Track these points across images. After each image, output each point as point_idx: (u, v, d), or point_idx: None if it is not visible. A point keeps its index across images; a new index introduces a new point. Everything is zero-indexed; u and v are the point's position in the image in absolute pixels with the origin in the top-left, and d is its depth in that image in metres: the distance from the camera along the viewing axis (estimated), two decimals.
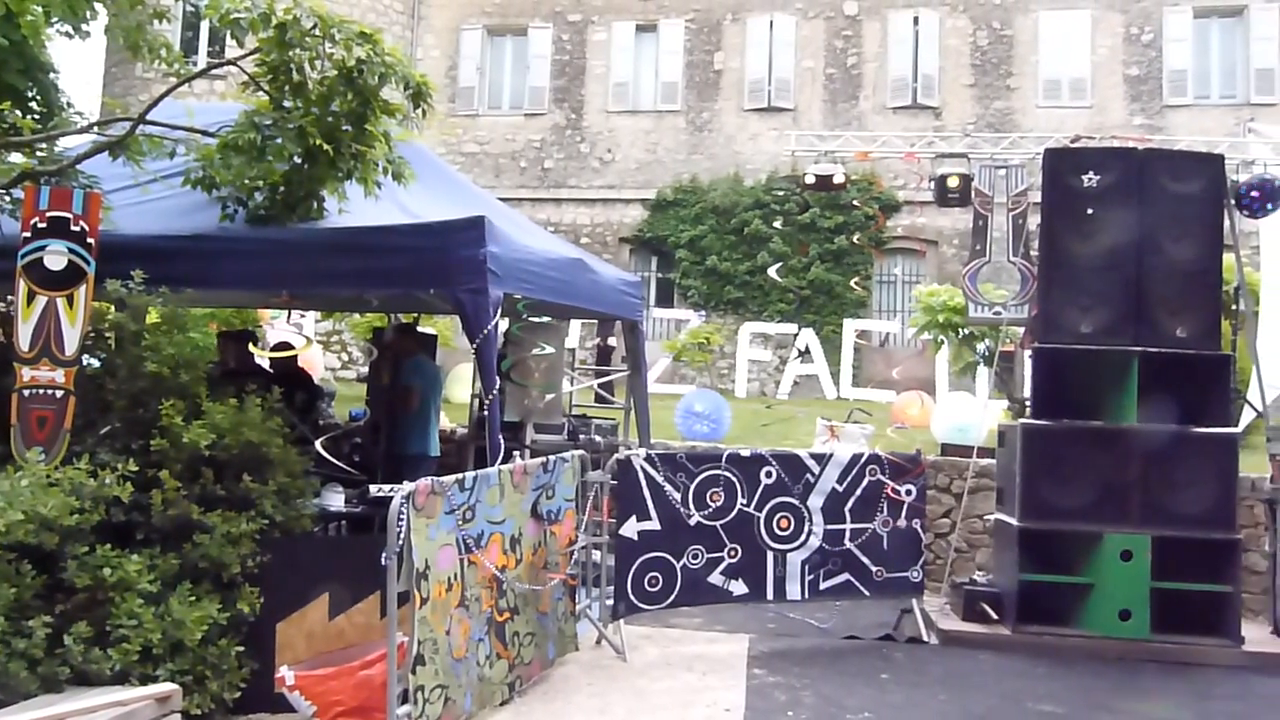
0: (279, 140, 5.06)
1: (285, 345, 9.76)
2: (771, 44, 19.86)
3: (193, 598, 4.52)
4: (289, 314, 10.94)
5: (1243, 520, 7.09)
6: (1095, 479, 6.70)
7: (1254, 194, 7.48)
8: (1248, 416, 9.30)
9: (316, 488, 5.52)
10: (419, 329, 9.17)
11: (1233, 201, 7.45)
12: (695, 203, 19.42)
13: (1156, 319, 6.78)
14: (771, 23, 19.88)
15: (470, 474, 4.79)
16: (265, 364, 8.22)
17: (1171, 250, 6.85)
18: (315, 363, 12.43)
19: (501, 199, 14.17)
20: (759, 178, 19.27)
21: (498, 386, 5.38)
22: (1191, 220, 6.92)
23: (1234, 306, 8.23)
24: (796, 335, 17.44)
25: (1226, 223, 7.23)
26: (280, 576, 4.82)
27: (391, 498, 4.22)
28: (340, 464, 6.39)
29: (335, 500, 5.92)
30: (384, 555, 4.20)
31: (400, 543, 4.19)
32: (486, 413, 5.35)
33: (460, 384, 11.91)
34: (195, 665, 4.47)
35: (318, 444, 6.28)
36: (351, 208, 5.58)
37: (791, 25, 19.85)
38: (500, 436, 5.31)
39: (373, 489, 5.72)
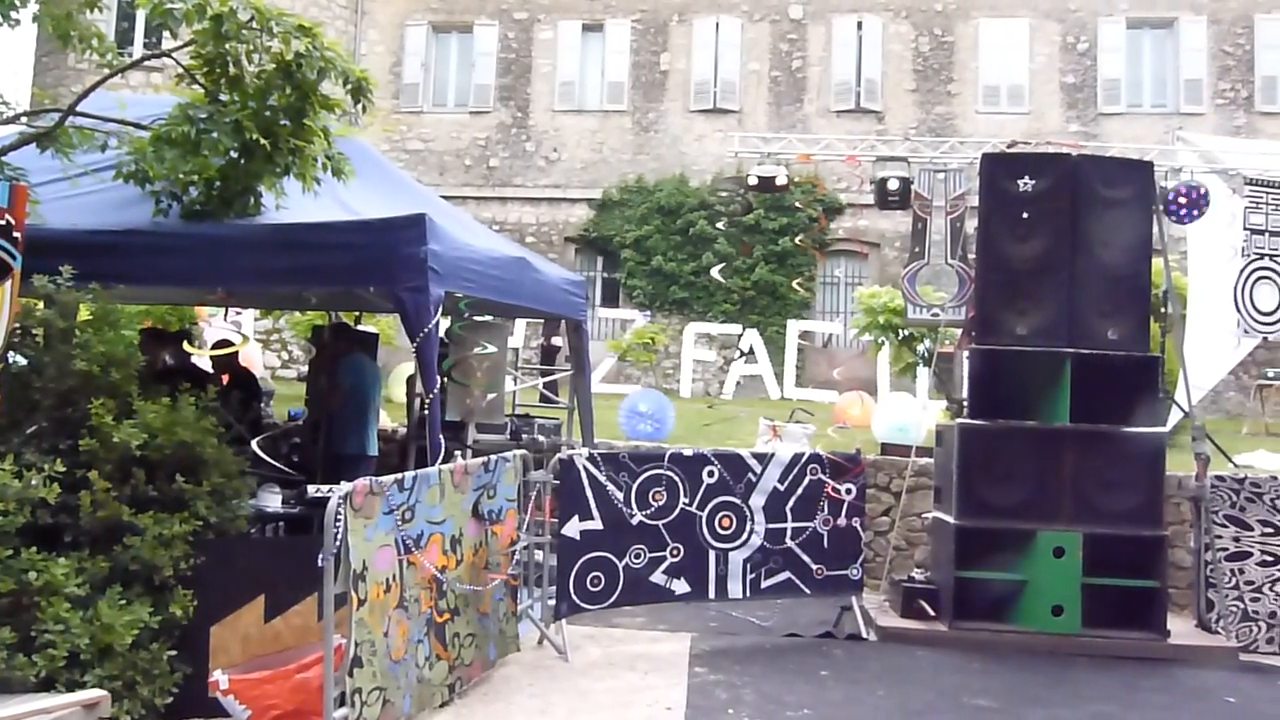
0: (214, 134, 4.96)
1: (224, 343, 9.60)
2: (717, 46, 19.97)
3: (123, 601, 4.41)
4: (226, 311, 10.74)
5: (1169, 517, 7.29)
6: (1029, 478, 6.84)
7: (1181, 200, 7.70)
8: (1175, 416, 9.56)
9: (253, 488, 5.42)
10: (360, 327, 9.08)
11: (1161, 208, 7.65)
12: (641, 203, 19.45)
13: (1088, 321, 6.95)
14: (717, 25, 19.99)
15: (410, 474, 4.75)
16: (204, 362, 8.07)
17: (1103, 254, 7.03)
18: (254, 361, 12.22)
19: (446, 197, 14.06)
20: (704, 178, 19.37)
21: (439, 386, 5.34)
22: (1122, 225, 7.10)
23: (1163, 310, 8.45)
24: (741, 336, 17.56)
25: (1156, 228, 7.43)
26: (214, 579, 4.72)
27: (329, 498, 4.17)
28: (277, 464, 6.28)
29: (272, 501, 5.82)
30: (321, 556, 4.14)
31: (337, 544, 4.13)
32: (427, 412, 5.30)
33: (401, 383, 11.78)
34: (125, 670, 4.36)
35: (254, 444, 6.18)
36: (290, 204, 5.49)
37: (737, 28, 19.98)
38: (441, 436, 5.27)
39: (311, 489, 5.67)
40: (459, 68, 20.78)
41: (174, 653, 4.53)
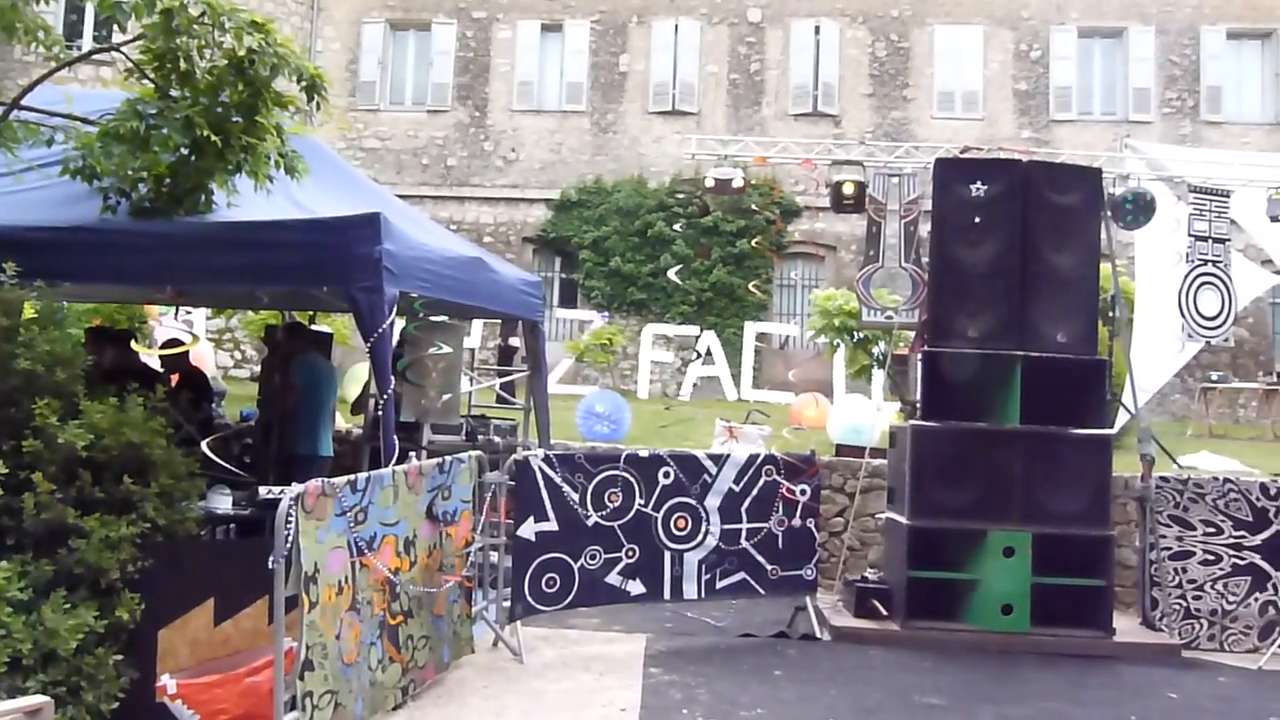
0: (164, 130, 4.88)
1: (174, 342, 9.45)
2: (676, 48, 20.01)
3: (67, 605, 4.32)
4: (176, 310, 10.57)
5: (1116, 517, 7.45)
6: (980, 479, 6.95)
7: (1128, 207, 7.85)
8: (1122, 419, 9.75)
9: (202, 490, 5.34)
10: (314, 327, 8.98)
11: (1109, 213, 7.80)
12: (599, 204, 19.44)
13: (1038, 325, 7.07)
14: (676, 27, 20.03)
15: (363, 475, 4.71)
16: (154, 361, 7.94)
17: (1053, 259, 7.15)
18: (206, 361, 12.03)
19: (403, 196, 13.97)
20: (663, 180, 19.41)
21: (393, 386, 5.30)
22: (1071, 230, 7.24)
23: (1110, 314, 8.61)
24: (698, 337, 17.60)
25: (1104, 234, 7.57)
26: (163, 582, 4.64)
27: (280, 500, 4.12)
28: (228, 465, 6.20)
29: (222, 503, 5.74)
30: (271, 558, 4.09)
31: (288, 546, 4.09)
32: (381, 413, 5.26)
33: (356, 383, 11.67)
34: (69, 676, 4.27)
35: (204, 445, 6.09)
36: (242, 202, 5.42)
37: (696, 30, 20.04)
38: (395, 437, 5.23)
39: (262, 491, 5.59)
40: (416, 66, 20.63)
41: (120, 657, 4.45)
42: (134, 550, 4.53)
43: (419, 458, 6.43)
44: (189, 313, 12.37)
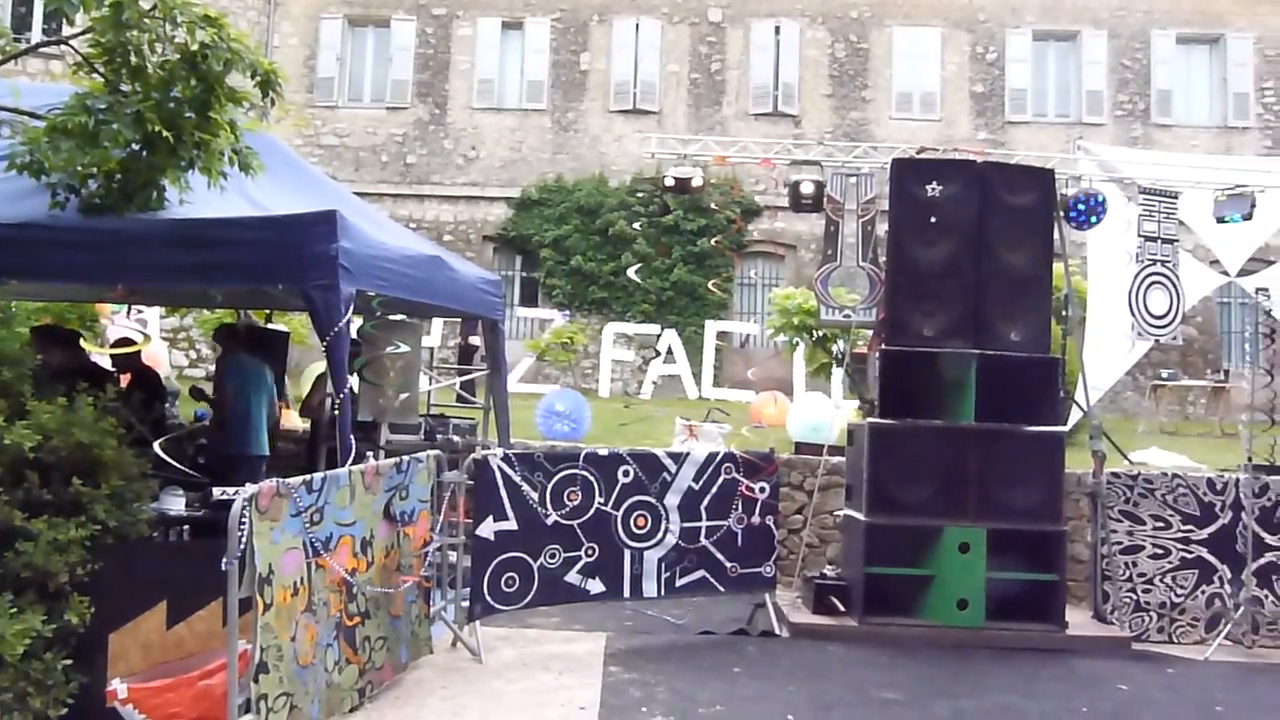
0: (114, 125, 4.79)
1: (125, 341, 9.30)
2: (637, 47, 20.03)
3: (14, 609, 4.23)
4: (129, 309, 10.40)
5: (1069, 513, 7.57)
6: (936, 475, 7.02)
7: (1080, 207, 7.98)
8: (1075, 416, 9.91)
9: (154, 491, 5.26)
10: (269, 326, 8.89)
11: (1062, 214, 7.92)
12: (560, 202, 19.41)
13: (993, 323, 7.16)
14: (637, 25, 20.05)
15: (318, 475, 4.67)
16: (105, 361, 7.81)
17: (1007, 258, 7.25)
18: (160, 360, 11.84)
19: (362, 194, 13.84)
20: (624, 179, 19.41)
21: (350, 385, 5.25)
22: (1025, 230, 7.34)
23: (1064, 313, 8.76)
24: (659, 336, 17.64)
25: (1057, 234, 7.69)
26: (114, 585, 4.57)
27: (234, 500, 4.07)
28: (181, 466, 6.11)
29: (175, 504, 5.66)
30: (225, 560, 4.04)
31: (242, 547, 4.04)
32: (338, 412, 5.21)
33: (309, 383, 11.56)
34: (16, 681, 4.19)
35: (156, 445, 6.00)
36: (195, 199, 5.34)
37: (657, 29, 20.07)
38: (352, 436, 5.18)
39: (216, 492, 5.51)
40: (375, 62, 20.46)
41: (69, 662, 4.37)
42: (84, 553, 4.46)
43: (376, 457, 6.38)
44: (141, 311, 12.17)
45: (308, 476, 4.58)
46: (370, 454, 5.58)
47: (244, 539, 4.05)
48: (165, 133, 4.82)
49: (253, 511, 4.10)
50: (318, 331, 5.13)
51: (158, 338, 13.15)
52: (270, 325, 9.08)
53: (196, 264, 5.25)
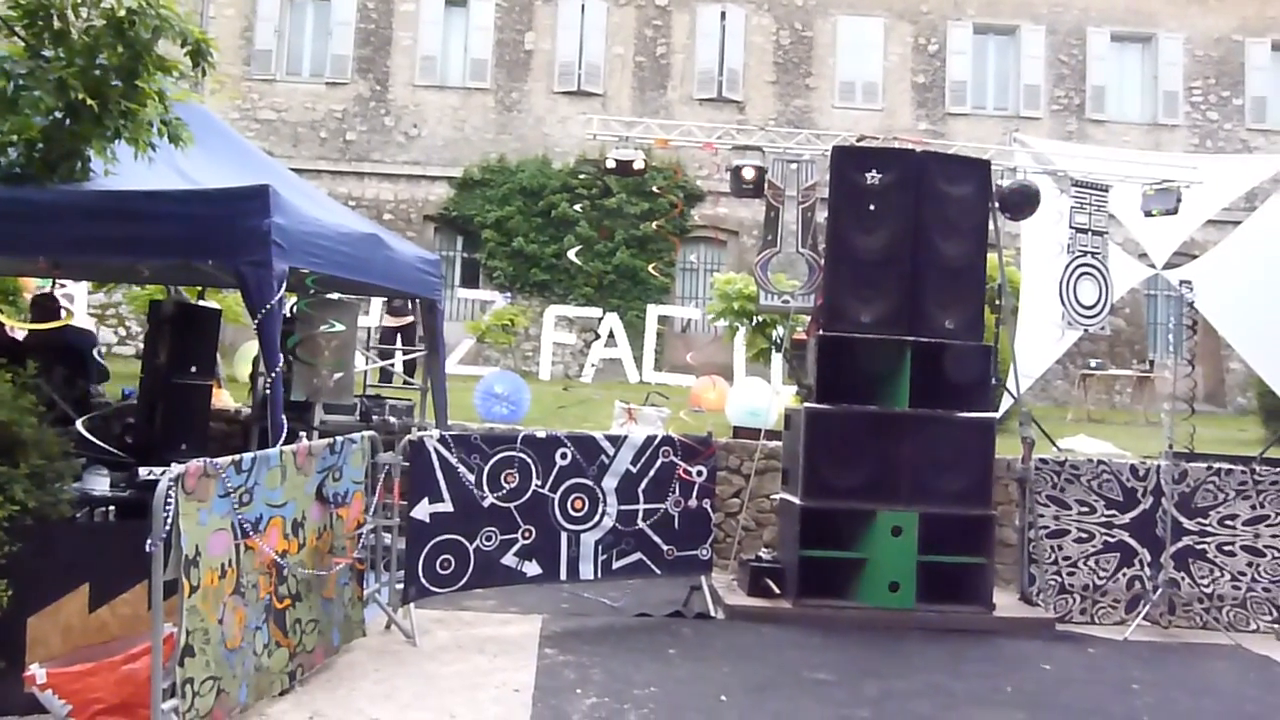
0: (35, 92, 4.64)
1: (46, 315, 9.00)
2: (583, 28, 19.91)
3: None
4: (53, 284, 10.07)
5: (998, 498, 7.73)
6: (871, 460, 7.12)
7: (1015, 199, 8.12)
8: (1006, 403, 10.13)
9: (77, 471, 5.12)
10: (200, 303, 8.68)
11: (996, 205, 8.06)
12: (503, 183, 19.26)
13: (928, 311, 7.26)
14: (583, 7, 19.92)
15: (248, 455, 4.58)
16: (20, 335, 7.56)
17: (943, 247, 7.35)
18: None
19: (300, 170, 13.58)
20: (567, 161, 19.32)
21: (281, 364, 5.16)
22: (961, 220, 7.45)
23: (997, 302, 8.92)
24: (601, 319, 17.62)
25: (991, 224, 7.82)
26: (33, 567, 4.44)
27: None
28: (105, 445, 5.95)
29: (100, 484, 5.51)
30: (149, 541, 3.94)
31: (167, 528, 3.94)
32: (269, 391, 5.12)
33: (245, 362, 11.35)
34: None
35: (79, 423, 5.84)
36: (121, 170, 5.19)
37: (603, 11, 19.96)
38: (284, 417, 5.10)
39: (142, 471, 5.40)
40: (315, 36, 20.06)
41: None
42: (1, 534, 4.32)
43: (310, 438, 6.28)
44: (64, 285, 11.80)
45: (237, 456, 4.49)
46: (303, 434, 5.48)
47: (169, 520, 3.95)
48: (90, 101, 4.68)
49: (179, 492, 4.01)
50: (249, 309, 5.03)
51: (84, 313, 12.78)
52: (202, 302, 8.87)
53: (123, 238, 5.11)
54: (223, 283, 7.68)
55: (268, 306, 4.90)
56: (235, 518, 4.42)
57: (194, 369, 7.15)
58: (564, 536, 6.47)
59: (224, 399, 9.21)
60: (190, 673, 4.08)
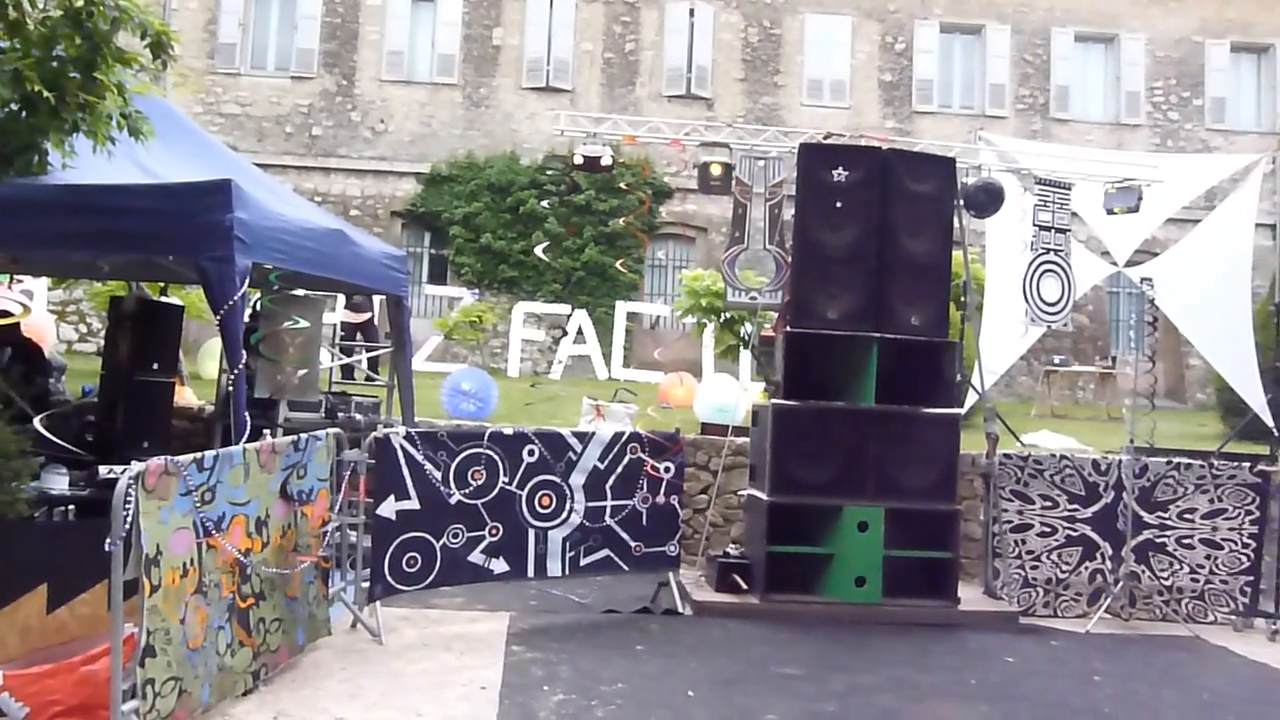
0: None
1: (2, 313, 8.86)
2: (551, 24, 19.85)
3: None
4: (11, 279, 9.90)
5: (963, 493, 7.81)
6: (837, 456, 7.16)
7: (979, 197, 8.19)
8: (971, 399, 10.22)
9: (35, 469, 5.04)
10: (163, 299, 8.58)
11: (961, 202, 8.13)
12: (471, 179, 19.16)
13: (894, 308, 7.31)
14: (551, 2, 19.87)
15: (210, 453, 4.52)
16: None
17: (909, 244, 7.40)
18: (46, 334, 11.31)
19: (265, 165, 13.42)
20: (536, 157, 19.25)
21: (244, 361, 5.11)
22: (927, 217, 7.50)
23: (962, 298, 8.99)
24: (569, 316, 17.59)
25: (957, 221, 7.88)
26: None
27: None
28: (64, 443, 5.87)
29: (58, 483, 5.44)
30: (109, 541, 3.89)
31: (127, 527, 3.89)
32: (232, 388, 5.06)
33: (210, 359, 11.23)
34: None
35: (36, 421, 5.75)
36: (80, 164, 5.11)
37: (571, 7, 19.90)
38: (247, 414, 5.05)
39: (102, 470, 5.33)
40: (280, 29, 19.85)
41: None
42: None
43: (274, 435, 6.22)
44: (20, 281, 11.60)
45: (199, 454, 4.44)
46: (267, 432, 5.43)
47: (129, 519, 3.90)
48: (46, 93, 4.58)
49: (139, 490, 3.95)
50: (211, 305, 4.98)
51: (44, 310, 12.57)
52: (164, 298, 8.76)
53: (81, 232, 5.05)
54: (186, 278, 7.59)
55: (230, 303, 4.86)
56: (197, 516, 4.37)
57: (156, 366, 7.11)
58: (531, 533, 6.45)
59: (187, 396, 9.11)
60: (151, 673, 4.02)
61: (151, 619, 4.03)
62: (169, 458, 4.24)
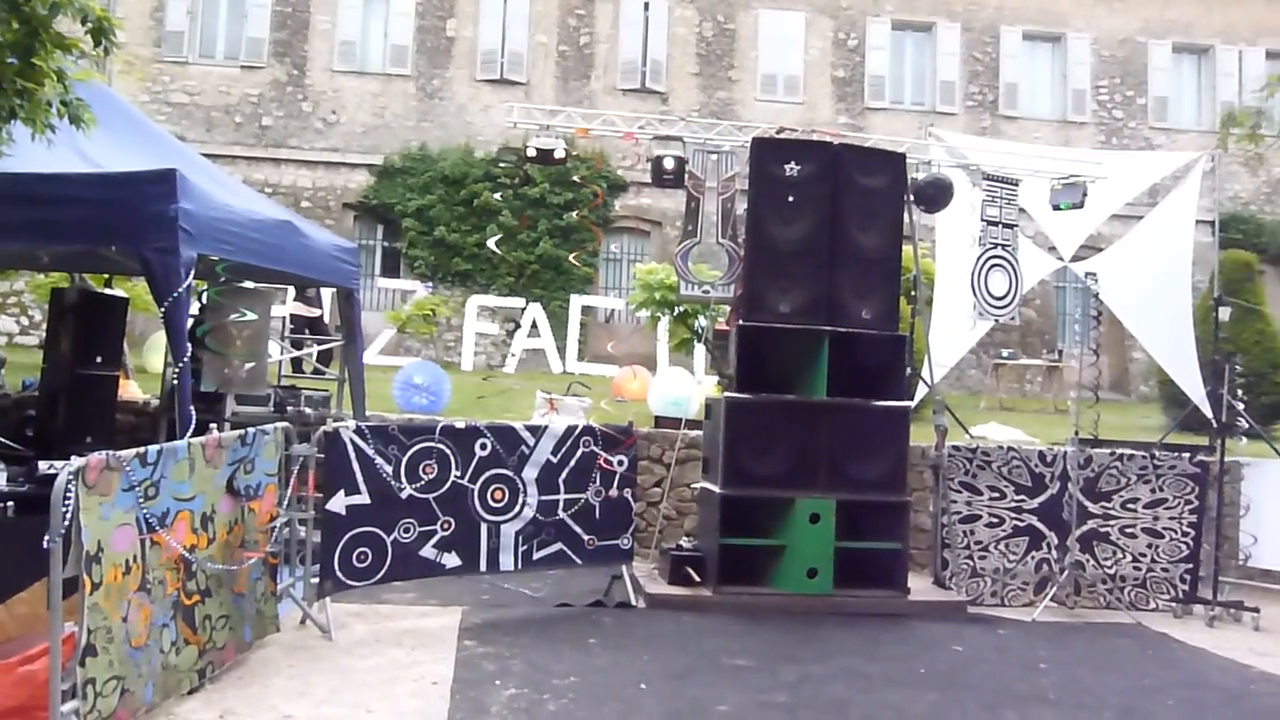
0: None
1: None
2: (505, 16, 19.72)
3: None
4: None
5: (913, 484, 7.92)
6: (789, 448, 7.21)
7: (929, 192, 8.29)
8: (921, 391, 10.35)
9: None
10: (107, 291, 8.41)
11: (911, 197, 8.22)
12: (424, 171, 18.98)
13: (845, 301, 7.38)
14: None
15: (154, 448, 4.44)
16: None
17: (859, 238, 7.47)
18: None
19: (214, 156, 13.19)
20: (490, 150, 19.13)
21: (190, 354, 5.02)
22: (877, 212, 7.57)
23: (912, 292, 9.10)
24: (524, 309, 17.52)
25: (907, 216, 7.96)
26: None
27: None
28: (3, 439, 5.73)
29: None
30: (48, 538, 3.80)
31: (66, 523, 3.81)
32: (177, 382, 4.98)
33: (156, 353, 11.02)
34: None
35: None
36: (19, 152, 4.97)
37: None
38: (192, 408, 4.97)
39: (42, 465, 5.21)
40: (230, 18, 19.50)
41: None
42: None
43: (221, 429, 6.13)
44: None
45: (142, 449, 4.36)
46: (214, 426, 5.35)
47: (69, 515, 3.81)
48: None
49: (79, 486, 3.87)
50: (155, 297, 4.90)
51: None
52: (108, 290, 8.59)
53: (22, 222, 4.94)
54: (130, 270, 7.43)
55: (175, 295, 4.78)
56: (140, 512, 4.29)
57: (99, 359, 6.98)
58: (484, 527, 6.43)
59: (132, 390, 8.95)
60: (92, 673, 3.95)
61: (92, 617, 3.95)
62: (110, 452, 4.16)
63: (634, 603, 6.88)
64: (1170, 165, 12.62)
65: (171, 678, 4.54)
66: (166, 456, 4.48)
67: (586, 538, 6.77)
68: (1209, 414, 10.22)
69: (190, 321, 5.85)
